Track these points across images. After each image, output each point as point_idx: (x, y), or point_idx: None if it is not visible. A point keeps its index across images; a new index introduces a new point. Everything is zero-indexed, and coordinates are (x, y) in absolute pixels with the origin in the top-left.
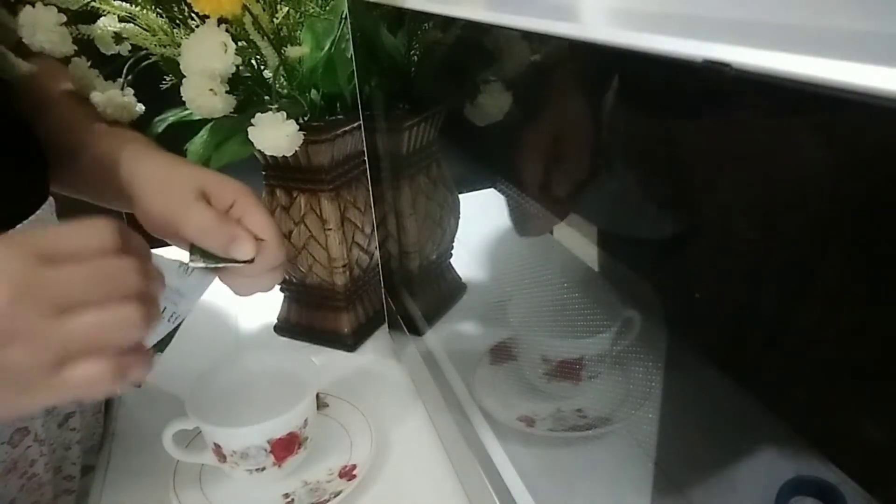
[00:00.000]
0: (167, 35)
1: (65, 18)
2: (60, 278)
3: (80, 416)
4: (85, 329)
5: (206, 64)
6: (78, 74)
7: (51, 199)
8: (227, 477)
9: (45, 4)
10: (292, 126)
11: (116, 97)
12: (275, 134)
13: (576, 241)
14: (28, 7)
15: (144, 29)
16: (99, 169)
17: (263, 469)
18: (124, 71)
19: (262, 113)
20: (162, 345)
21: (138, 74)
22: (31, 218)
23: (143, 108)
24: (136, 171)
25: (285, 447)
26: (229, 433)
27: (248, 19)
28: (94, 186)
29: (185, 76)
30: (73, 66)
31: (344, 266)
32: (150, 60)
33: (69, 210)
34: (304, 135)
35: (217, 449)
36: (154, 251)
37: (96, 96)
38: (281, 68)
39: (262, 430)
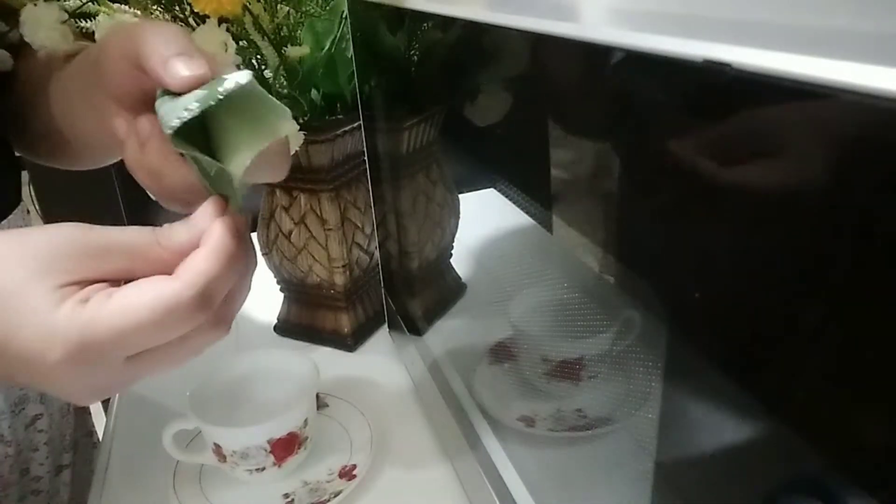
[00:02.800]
0: None
1: (66, 16)
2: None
3: (49, 417)
4: (154, 365)
5: None
6: None
7: (22, 203)
8: (227, 477)
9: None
10: (293, 126)
11: None
12: None
13: (576, 240)
14: (29, 5)
15: None
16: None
17: (263, 469)
18: None
19: None
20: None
21: None
22: (0, 223)
23: None
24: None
25: (285, 447)
26: (229, 433)
27: (248, 19)
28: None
29: None
30: None
31: (344, 266)
32: None
33: (57, 217)
34: (304, 135)
35: (217, 449)
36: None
37: None
38: (281, 68)
39: (262, 430)
